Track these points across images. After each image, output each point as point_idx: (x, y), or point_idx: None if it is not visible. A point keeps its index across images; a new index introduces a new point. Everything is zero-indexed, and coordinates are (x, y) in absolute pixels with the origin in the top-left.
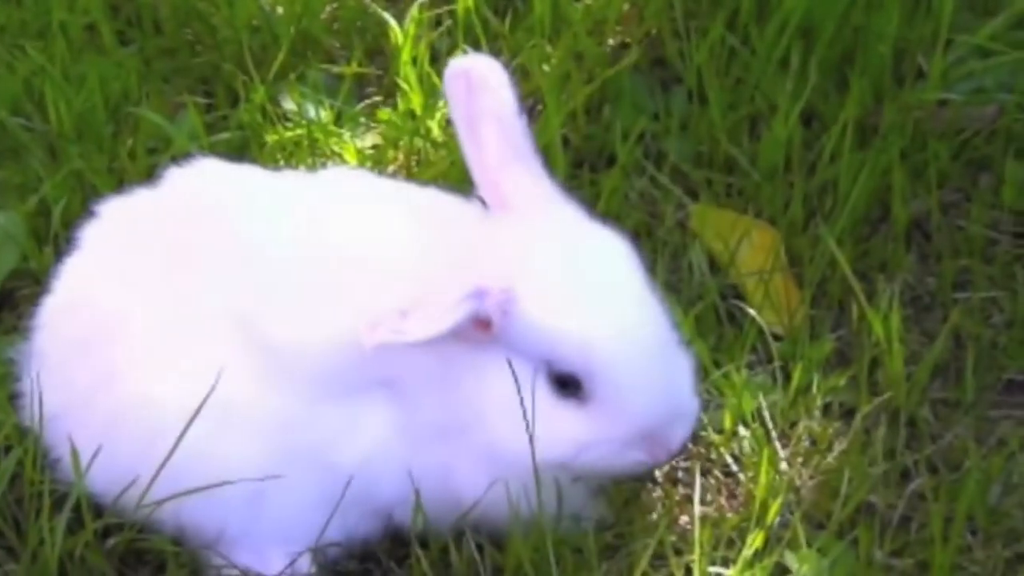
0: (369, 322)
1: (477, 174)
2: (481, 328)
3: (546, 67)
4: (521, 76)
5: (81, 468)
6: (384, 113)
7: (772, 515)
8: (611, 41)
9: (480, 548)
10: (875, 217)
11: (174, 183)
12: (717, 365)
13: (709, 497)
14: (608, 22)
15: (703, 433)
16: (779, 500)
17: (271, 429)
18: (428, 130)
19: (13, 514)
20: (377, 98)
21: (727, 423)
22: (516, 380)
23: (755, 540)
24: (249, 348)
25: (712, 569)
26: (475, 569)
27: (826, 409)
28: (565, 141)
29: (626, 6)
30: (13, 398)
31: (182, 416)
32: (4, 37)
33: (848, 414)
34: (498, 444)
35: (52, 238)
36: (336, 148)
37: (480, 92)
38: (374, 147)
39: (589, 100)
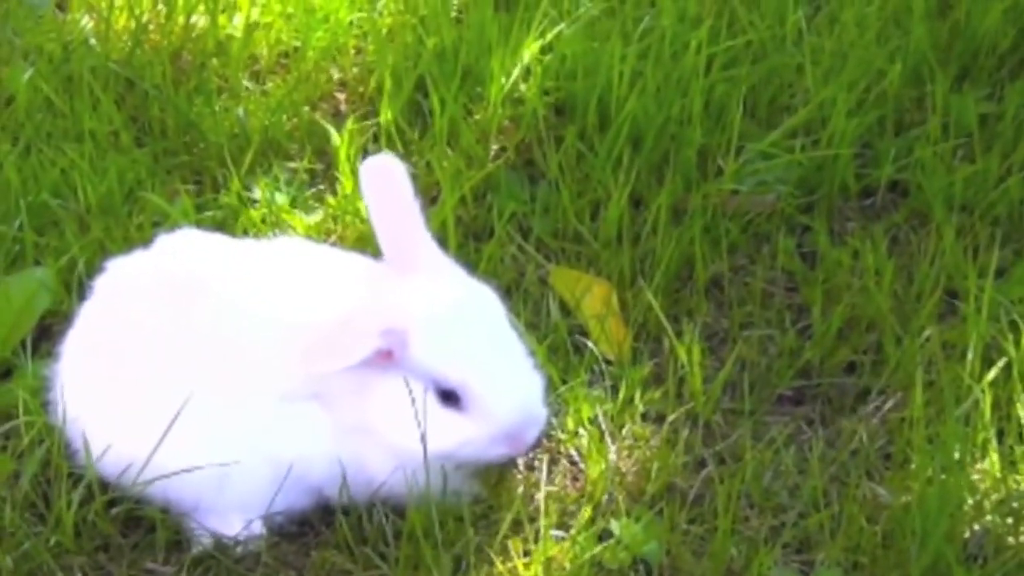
0: (303, 355)
1: (383, 243)
2: (385, 357)
3: (444, 164)
4: (426, 171)
5: (92, 457)
6: (327, 198)
7: (601, 493)
8: (493, 146)
9: (386, 516)
10: (683, 275)
11: (164, 247)
12: (564, 382)
13: (556, 480)
14: (491, 132)
15: (553, 432)
16: (607, 482)
17: (234, 431)
18: (357, 210)
19: (43, 490)
20: (321, 187)
21: (571, 425)
22: (411, 394)
23: (587, 511)
24: (217, 370)
25: (555, 532)
26: (382, 531)
27: (644, 416)
28: (458, 219)
29: (505, 121)
30: (45, 404)
31: (165, 422)
32: (49, 140)
33: (660, 419)
34: (399, 441)
35: (77, 287)
36: (291, 223)
37: (386, 182)
38: (318, 222)
39: (475, 189)
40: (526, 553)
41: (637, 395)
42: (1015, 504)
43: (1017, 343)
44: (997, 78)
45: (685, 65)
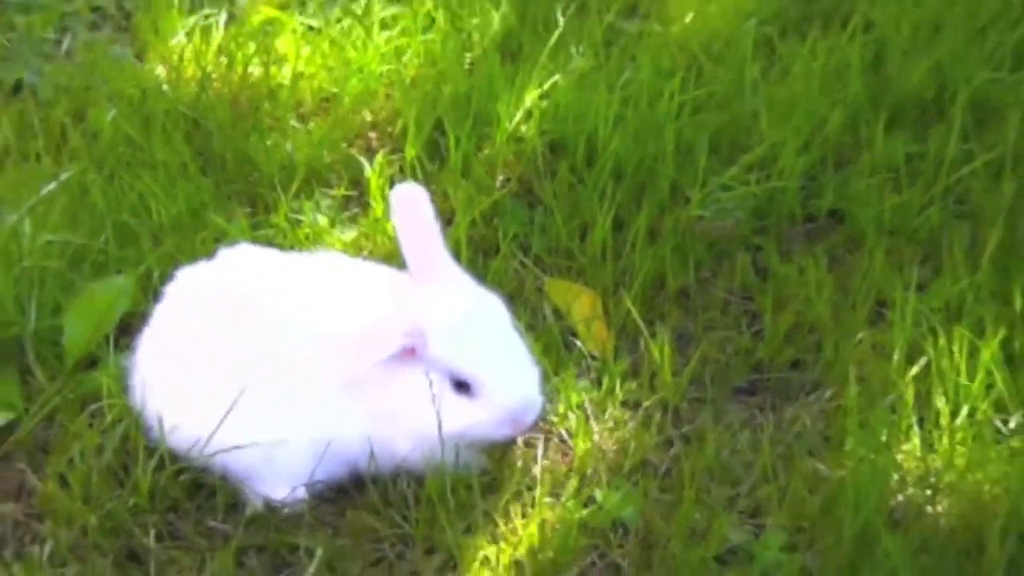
0: (342, 351)
1: (408, 258)
2: (409, 353)
3: (458, 192)
4: (443, 198)
5: (164, 433)
6: (361, 220)
7: (586, 467)
8: (499, 177)
9: (408, 484)
10: (657, 286)
11: (224, 258)
12: (557, 375)
13: (549, 455)
14: (497, 165)
15: (547, 416)
16: (591, 458)
17: (283, 415)
18: (385, 230)
19: (123, 460)
20: (356, 210)
21: (562, 410)
22: (430, 384)
23: (575, 482)
24: (269, 364)
25: (549, 499)
26: (405, 497)
27: (623, 403)
28: (469, 238)
29: (509, 157)
30: (125, 389)
31: (225, 405)
32: (129, 169)
33: (636, 406)
34: (420, 423)
35: (152, 292)
36: (329, 240)
37: (411, 205)
38: (353, 240)
39: (484, 213)
40: (524, 516)
41: (617, 385)
42: (933, 479)
43: (935, 345)
44: (921, 124)
45: (659, 111)
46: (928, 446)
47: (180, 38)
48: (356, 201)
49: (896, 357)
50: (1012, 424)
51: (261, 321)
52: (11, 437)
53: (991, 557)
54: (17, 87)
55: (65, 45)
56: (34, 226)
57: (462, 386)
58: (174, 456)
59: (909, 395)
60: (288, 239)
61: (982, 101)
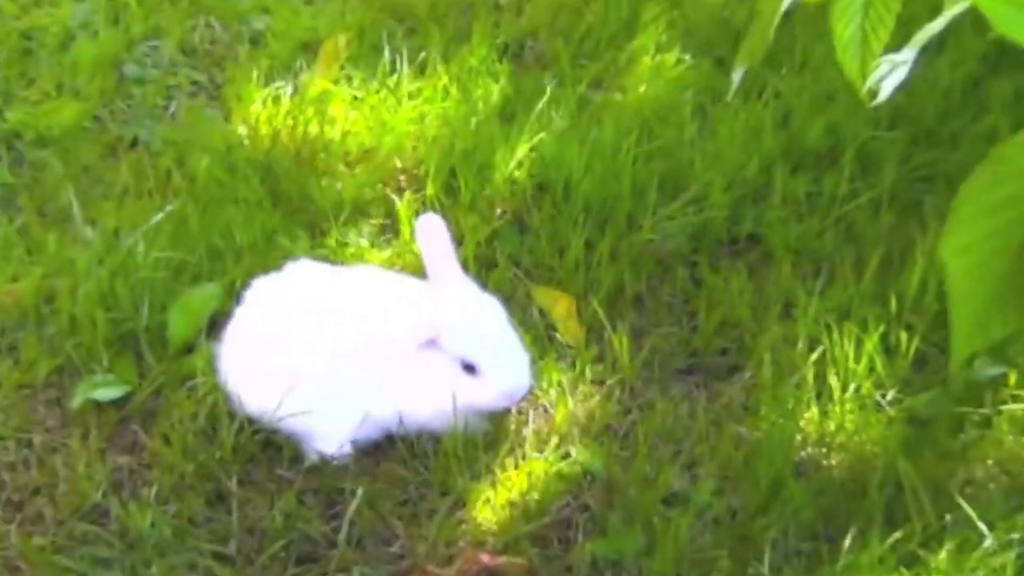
0: (382, 342)
1: (429, 271)
2: (430, 344)
3: (467, 221)
4: (456, 226)
5: (243, 403)
6: (393, 242)
7: (564, 429)
8: (498, 209)
9: (429, 442)
10: (617, 293)
11: (289, 270)
12: (541, 359)
13: (536, 421)
14: (496, 201)
15: (534, 392)
16: (568, 423)
17: (334, 391)
18: (412, 250)
19: (212, 424)
20: (390, 235)
21: (545, 386)
22: (443, 367)
23: (555, 441)
24: (322, 352)
25: (535, 455)
26: (426, 452)
27: (592, 381)
28: (475, 256)
29: (506, 195)
30: (214, 370)
31: (288, 383)
32: (218, 203)
33: (602, 383)
34: (438, 397)
35: (235, 296)
36: (369, 258)
37: (432, 231)
38: (387, 257)
39: (487, 238)
40: (516, 467)
41: (587, 368)
42: (828, 440)
43: (830, 338)
44: (818, 169)
45: (619, 161)
46: (824, 414)
47: (257, 105)
48: (390, 228)
49: (800, 346)
50: (889, 397)
51: (318, 320)
52: (128, 406)
53: (872, 500)
54: (134, 142)
55: (171, 109)
56: (146, 246)
57: (470, 369)
58: (251, 420)
59: (810, 375)
60: (338, 256)
61: (865, 153)
